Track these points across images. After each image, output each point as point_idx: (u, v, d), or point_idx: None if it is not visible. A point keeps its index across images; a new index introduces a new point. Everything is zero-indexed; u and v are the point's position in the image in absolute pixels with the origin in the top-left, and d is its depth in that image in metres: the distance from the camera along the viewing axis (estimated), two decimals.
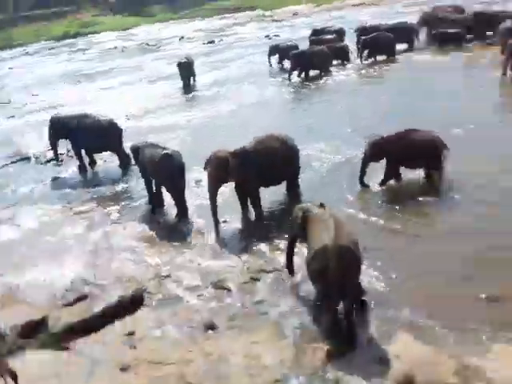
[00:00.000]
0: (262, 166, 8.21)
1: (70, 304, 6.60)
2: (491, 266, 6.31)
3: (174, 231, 8.44)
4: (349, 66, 18.55)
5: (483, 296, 5.81)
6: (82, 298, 6.70)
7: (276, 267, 6.92)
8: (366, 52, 18.66)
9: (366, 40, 18.52)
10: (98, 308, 6.41)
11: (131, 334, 6.01)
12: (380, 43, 18.48)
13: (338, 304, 5.50)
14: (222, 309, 6.26)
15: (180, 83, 19.13)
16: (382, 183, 8.82)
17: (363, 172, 8.79)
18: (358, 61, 18.44)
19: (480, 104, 11.93)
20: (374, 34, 18.83)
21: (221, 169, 8.08)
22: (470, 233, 7.13)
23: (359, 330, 5.49)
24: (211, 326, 5.94)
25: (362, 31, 20.23)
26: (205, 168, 8.36)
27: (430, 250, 6.85)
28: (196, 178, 9.92)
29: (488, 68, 15.38)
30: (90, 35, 45.05)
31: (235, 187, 8.50)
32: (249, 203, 8.56)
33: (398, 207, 8.13)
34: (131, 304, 6.51)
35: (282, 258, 6.90)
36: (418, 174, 8.94)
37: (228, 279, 6.80)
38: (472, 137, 9.94)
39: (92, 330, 6.13)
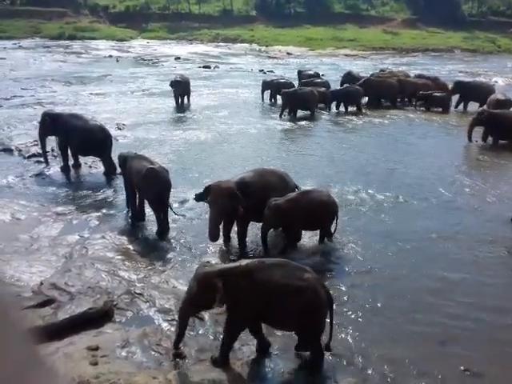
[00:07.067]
0: (260, 200, 7.76)
1: (35, 306, 6.20)
2: None
3: (153, 248, 8.09)
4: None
5: None
6: (48, 302, 6.34)
7: None
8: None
9: (335, 92, 18.83)
10: (64, 315, 6.05)
11: (94, 349, 5.61)
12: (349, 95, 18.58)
13: None
14: (193, 338, 5.93)
15: (173, 101, 18.94)
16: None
17: (265, 239, 7.90)
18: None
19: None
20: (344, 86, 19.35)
21: (231, 200, 7.55)
22: None
23: None
24: (180, 355, 5.61)
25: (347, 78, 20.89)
26: (205, 198, 7.78)
27: None
28: (180, 197, 9.71)
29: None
30: (85, 40, 45.07)
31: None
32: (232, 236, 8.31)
33: None
34: (99, 317, 6.18)
35: None
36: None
37: None
38: None
39: (54, 338, 5.78)
